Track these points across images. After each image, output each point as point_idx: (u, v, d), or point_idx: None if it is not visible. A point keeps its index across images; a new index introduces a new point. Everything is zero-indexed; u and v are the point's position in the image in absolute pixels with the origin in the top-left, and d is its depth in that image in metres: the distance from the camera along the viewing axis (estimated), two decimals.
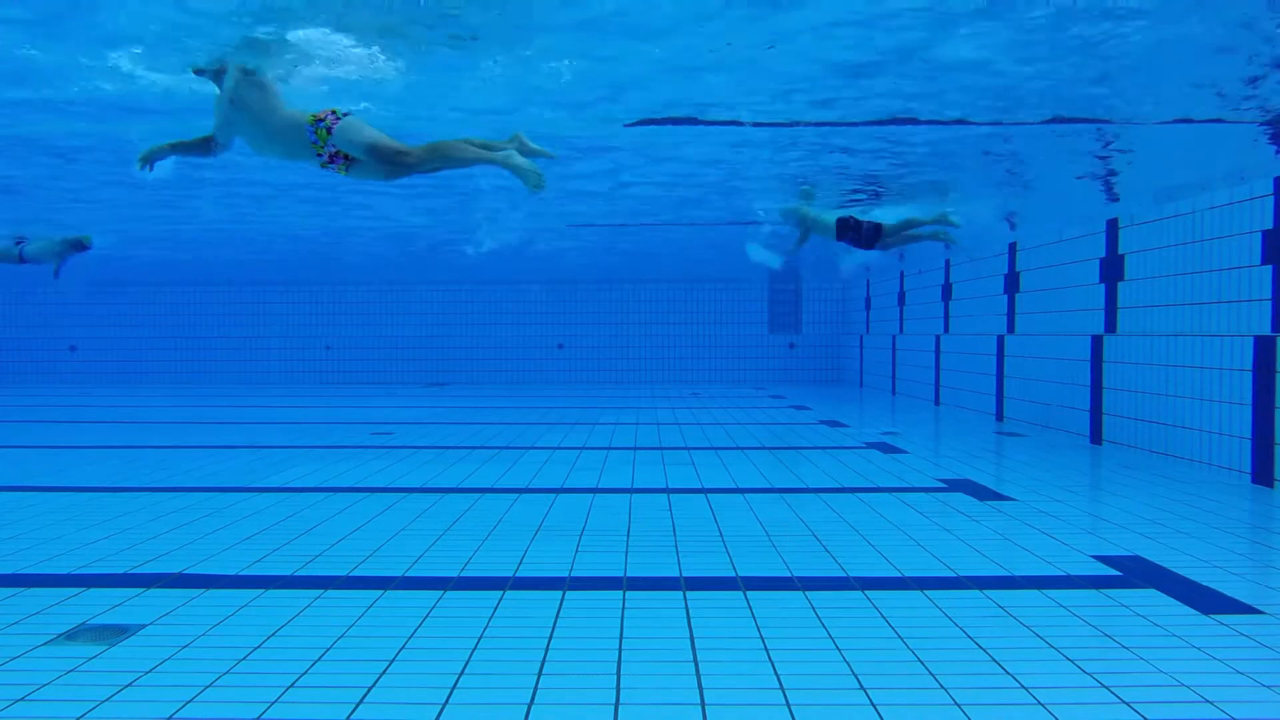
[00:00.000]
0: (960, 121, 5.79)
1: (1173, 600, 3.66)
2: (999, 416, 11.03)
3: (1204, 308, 7.26)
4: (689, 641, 3.20)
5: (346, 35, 4.39)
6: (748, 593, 3.79)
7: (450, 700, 2.71)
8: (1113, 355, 8.44)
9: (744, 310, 19.65)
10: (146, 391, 16.84)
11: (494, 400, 14.63)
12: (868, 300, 17.87)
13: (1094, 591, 3.81)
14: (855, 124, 5.91)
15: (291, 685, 2.82)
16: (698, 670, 2.93)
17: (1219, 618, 3.44)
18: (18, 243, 10.41)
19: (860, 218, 8.62)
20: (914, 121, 5.83)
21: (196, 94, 5.15)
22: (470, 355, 19.71)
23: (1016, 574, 4.07)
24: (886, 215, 8.94)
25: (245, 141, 4.84)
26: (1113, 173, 7.26)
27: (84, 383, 19.23)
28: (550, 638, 3.24)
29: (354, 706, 2.67)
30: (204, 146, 4.82)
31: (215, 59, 4.63)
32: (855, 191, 8.39)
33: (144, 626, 3.35)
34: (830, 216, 8.75)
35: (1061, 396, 9.40)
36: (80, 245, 10.20)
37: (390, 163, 4.57)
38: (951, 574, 4.08)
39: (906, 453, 8.02)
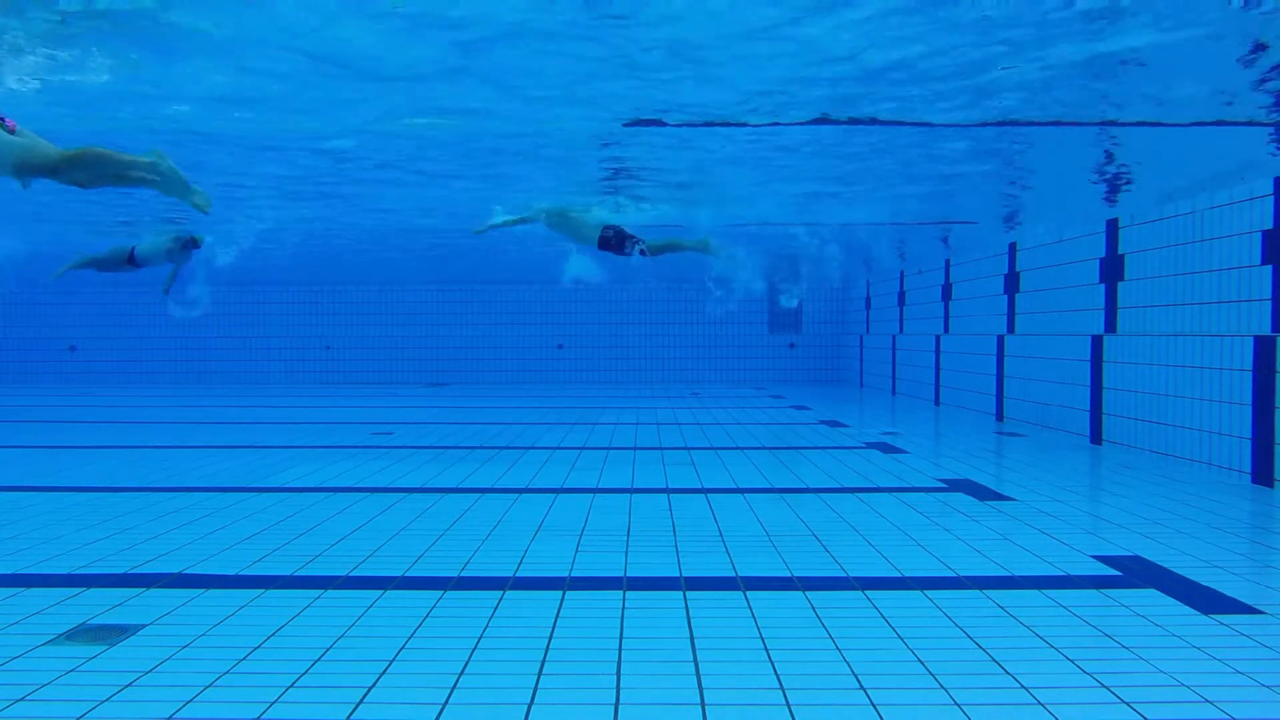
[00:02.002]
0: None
1: (1173, 600, 3.66)
2: (999, 416, 11.03)
3: (1204, 308, 7.26)
4: (689, 641, 3.20)
5: None
6: (748, 593, 3.79)
7: (450, 700, 2.71)
8: (1113, 355, 8.44)
9: (744, 310, 19.62)
10: (146, 391, 16.84)
11: (494, 400, 14.64)
12: (868, 300, 17.87)
13: (1094, 591, 3.81)
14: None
15: (291, 685, 2.82)
16: (698, 670, 2.93)
17: (1219, 618, 3.44)
18: (131, 247, 9.86)
19: (625, 229, 8.54)
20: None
21: None
22: (470, 355, 19.71)
23: (1016, 574, 4.07)
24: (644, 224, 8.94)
25: None
26: (1118, 177, 7.27)
27: (84, 383, 19.23)
28: (550, 638, 3.24)
29: (354, 706, 2.67)
30: None
31: None
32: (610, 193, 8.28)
33: (144, 626, 3.35)
34: (594, 222, 8.64)
35: (1061, 396, 9.40)
36: (193, 243, 9.70)
37: (40, 172, 4.34)
38: (951, 574, 4.08)
39: (906, 453, 8.02)
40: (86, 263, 10.07)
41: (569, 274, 11.35)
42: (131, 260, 9.81)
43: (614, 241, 8.45)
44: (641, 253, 8.47)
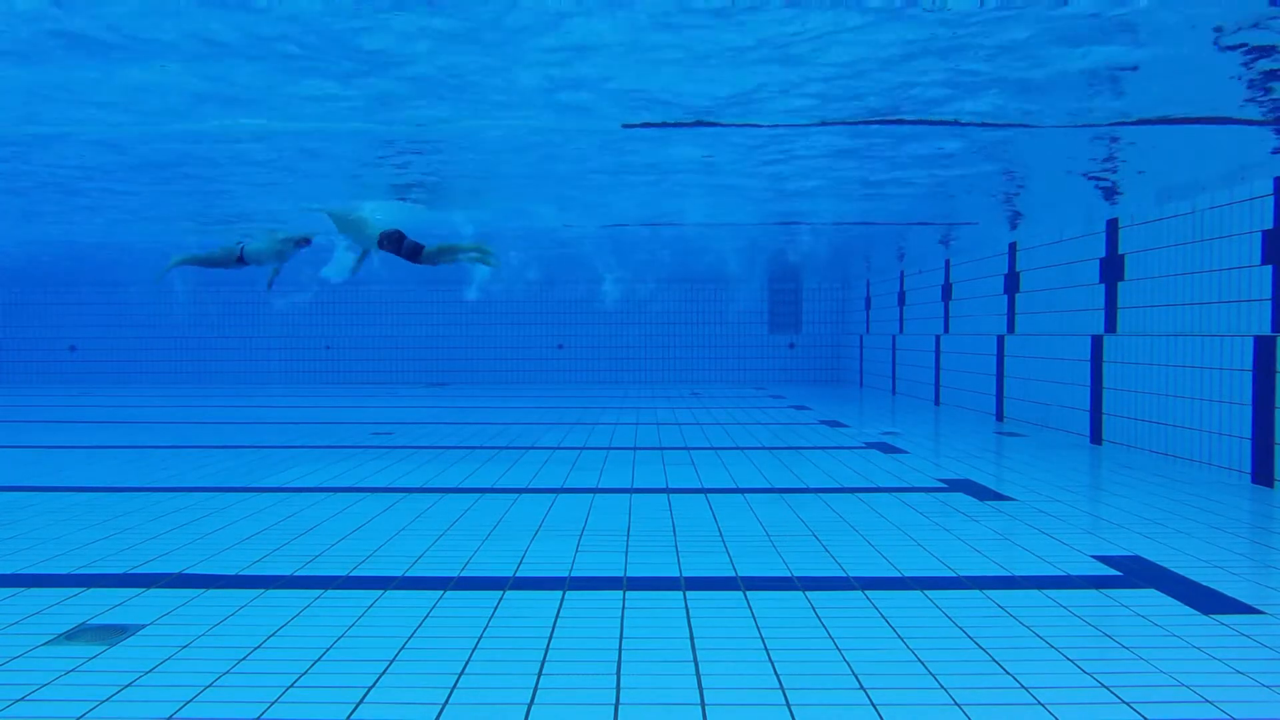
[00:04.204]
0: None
1: (1173, 600, 3.67)
2: (999, 416, 11.03)
3: (1204, 308, 7.26)
4: (689, 641, 3.20)
5: None
6: (748, 593, 3.79)
7: (450, 700, 2.71)
8: (1113, 355, 8.44)
9: (744, 310, 19.64)
10: (146, 391, 16.84)
11: (494, 400, 14.64)
12: (868, 300, 17.87)
13: (1094, 591, 3.81)
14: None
15: (291, 685, 2.82)
16: (698, 670, 2.93)
17: (1219, 618, 3.45)
18: (239, 243, 9.74)
19: (407, 235, 8.58)
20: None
21: None
22: (470, 355, 19.70)
23: (1016, 574, 4.07)
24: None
25: None
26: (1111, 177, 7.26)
27: (84, 383, 19.23)
28: (550, 638, 3.24)
29: (354, 706, 2.67)
30: None
31: None
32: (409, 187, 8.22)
33: (144, 626, 3.35)
34: (375, 225, 8.69)
35: (1061, 396, 9.40)
36: (305, 241, 9.58)
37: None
38: (951, 574, 4.08)
39: (906, 453, 8.02)
40: (191, 260, 9.99)
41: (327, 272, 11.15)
42: (240, 259, 9.72)
43: (394, 242, 8.53)
44: (418, 250, 8.48)
